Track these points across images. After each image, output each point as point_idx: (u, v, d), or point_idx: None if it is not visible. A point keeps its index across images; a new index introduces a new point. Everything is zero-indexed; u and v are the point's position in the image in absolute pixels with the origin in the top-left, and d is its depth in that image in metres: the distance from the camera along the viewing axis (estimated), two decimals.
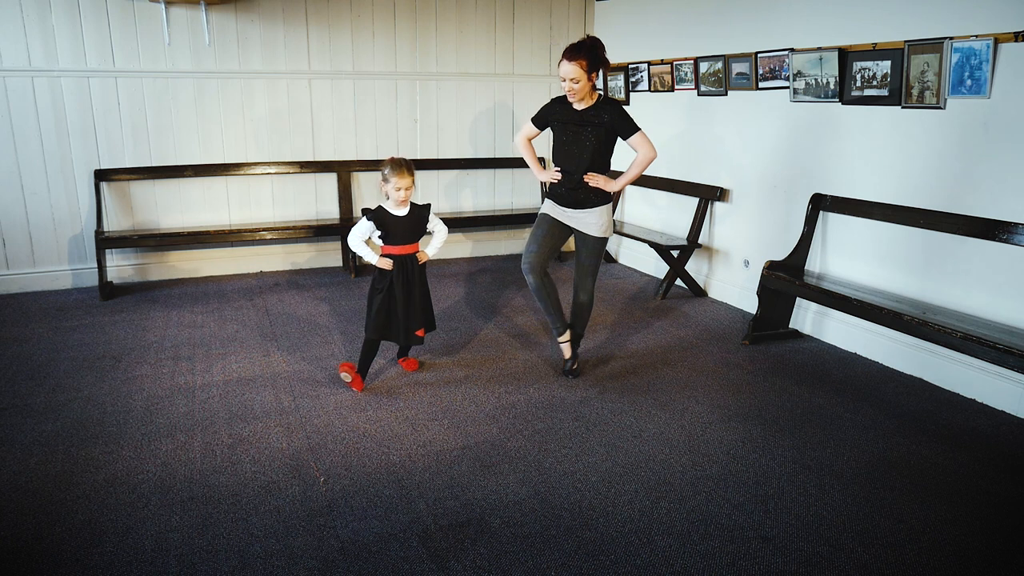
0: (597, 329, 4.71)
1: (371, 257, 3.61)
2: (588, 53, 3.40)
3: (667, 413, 3.50)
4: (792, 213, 4.76)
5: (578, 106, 3.55)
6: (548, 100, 3.72)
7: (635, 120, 3.59)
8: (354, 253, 5.99)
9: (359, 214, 6.25)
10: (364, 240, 3.63)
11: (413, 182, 3.58)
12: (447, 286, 5.75)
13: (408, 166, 3.55)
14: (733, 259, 5.37)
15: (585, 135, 3.55)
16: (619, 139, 3.63)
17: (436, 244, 3.79)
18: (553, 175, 3.67)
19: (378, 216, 3.61)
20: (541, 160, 6.35)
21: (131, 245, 5.48)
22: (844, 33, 4.22)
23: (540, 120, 3.74)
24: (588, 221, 3.64)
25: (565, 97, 3.59)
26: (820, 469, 2.99)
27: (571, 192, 3.62)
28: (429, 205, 3.76)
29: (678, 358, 4.24)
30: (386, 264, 3.61)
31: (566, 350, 3.85)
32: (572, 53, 3.40)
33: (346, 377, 3.74)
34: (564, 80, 3.44)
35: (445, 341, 4.46)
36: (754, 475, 2.94)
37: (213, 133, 5.77)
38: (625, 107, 3.66)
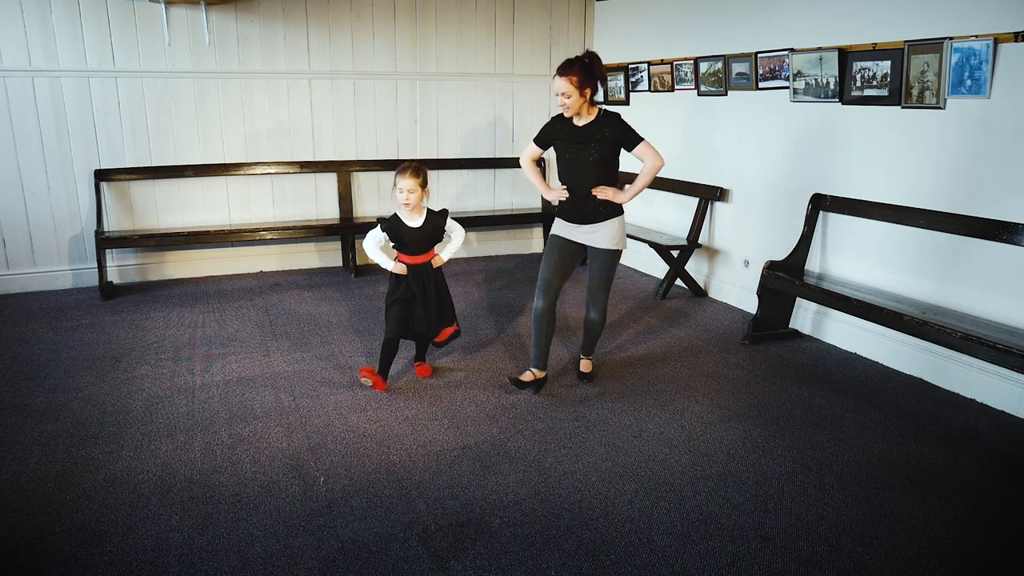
0: None
1: (387, 264, 3.56)
2: (581, 69, 3.33)
3: (667, 413, 3.50)
4: (792, 213, 4.76)
5: (579, 122, 3.48)
6: (549, 118, 3.66)
7: (637, 130, 3.51)
8: (354, 253, 6.07)
9: (359, 214, 6.32)
10: (379, 247, 3.60)
11: (420, 185, 3.49)
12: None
13: (413, 168, 3.48)
14: (733, 259, 5.37)
15: (588, 151, 3.47)
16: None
17: (452, 249, 3.70)
18: (560, 193, 3.60)
19: (392, 226, 3.54)
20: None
21: (131, 245, 5.48)
22: (844, 33, 4.22)
23: (542, 140, 3.66)
24: (600, 235, 3.55)
25: (564, 114, 3.53)
26: (820, 469, 2.99)
27: (580, 208, 3.54)
28: (446, 212, 3.66)
29: (678, 358, 4.24)
30: (400, 270, 3.58)
31: (527, 376, 3.68)
32: (564, 68, 3.35)
33: (366, 382, 3.69)
34: (557, 95, 3.39)
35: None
36: (754, 475, 2.94)
37: (213, 133, 5.77)
38: (625, 118, 3.57)
